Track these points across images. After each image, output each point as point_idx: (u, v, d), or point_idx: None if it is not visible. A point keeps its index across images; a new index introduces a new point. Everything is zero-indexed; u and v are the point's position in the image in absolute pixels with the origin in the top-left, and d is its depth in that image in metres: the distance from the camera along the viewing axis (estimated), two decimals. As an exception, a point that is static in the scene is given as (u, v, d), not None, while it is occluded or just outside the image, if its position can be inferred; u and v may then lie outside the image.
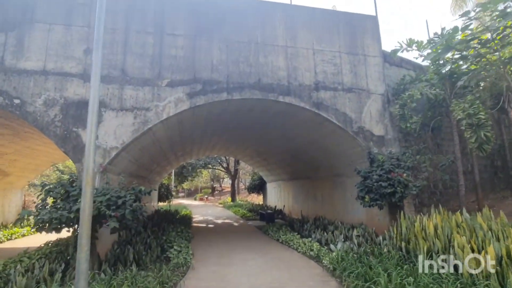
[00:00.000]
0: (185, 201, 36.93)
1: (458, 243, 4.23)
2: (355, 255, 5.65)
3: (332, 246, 6.96)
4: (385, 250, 5.67)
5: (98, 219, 5.27)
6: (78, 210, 4.73)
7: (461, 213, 5.05)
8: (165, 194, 18.05)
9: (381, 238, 6.53)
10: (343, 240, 7.43)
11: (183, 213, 16.77)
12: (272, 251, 7.70)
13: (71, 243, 6.38)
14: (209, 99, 7.37)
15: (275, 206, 17.33)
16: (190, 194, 52.84)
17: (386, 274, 3.96)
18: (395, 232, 5.76)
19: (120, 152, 6.80)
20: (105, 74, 6.95)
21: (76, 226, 5.28)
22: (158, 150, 9.97)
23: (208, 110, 8.03)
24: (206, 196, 42.78)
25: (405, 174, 6.85)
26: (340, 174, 10.05)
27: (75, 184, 5.65)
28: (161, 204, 19.65)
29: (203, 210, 22.65)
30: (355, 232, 7.66)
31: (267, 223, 12.49)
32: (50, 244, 7.54)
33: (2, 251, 8.41)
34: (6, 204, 12.46)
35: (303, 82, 8.09)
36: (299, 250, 7.49)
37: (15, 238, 10.88)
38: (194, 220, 15.65)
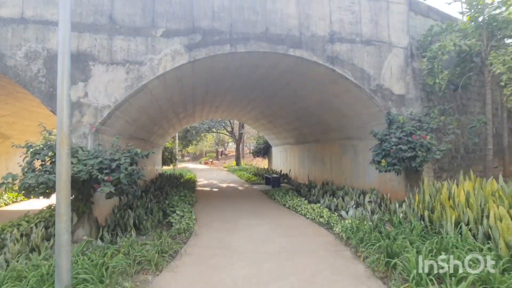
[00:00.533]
0: (190, 165, 37.21)
1: (495, 214, 3.70)
2: (370, 223, 5.20)
3: (343, 212, 6.57)
4: (402, 218, 5.21)
5: (90, 184, 4.86)
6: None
7: (496, 180, 4.46)
8: (169, 158, 17.86)
9: (396, 205, 6.06)
10: (354, 206, 7.04)
11: (187, 177, 16.64)
12: (279, 217, 7.37)
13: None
14: (210, 51, 6.52)
15: (281, 171, 17.04)
16: (195, 158, 53.47)
17: (414, 249, 3.47)
18: (416, 200, 5.24)
19: (114, 111, 6.18)
20: (91, 22, 6.09)
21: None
22: (158, 110, 9.33)
23: (209, 66, 7.21)
24: (211, 160, 43.05)
25: (428, 137, 6.17)
26: (352, 137, 9.41)
27: (64, 145, 5.14)
28: (165, 168, 19.58)
29: (207, 174, 22.60)
30: (367, 198, 7.24)
31: (273, 187, 12.23)
32: (52, 207, 7.34)
33: (6, 213, 8.33)
34: (10, 167, 12.30)
35: (317, 33, 7.10)
36: (307, 216, 7.13)
37: (21, 200, 10.88)
38: (198, 184, 15.51)
